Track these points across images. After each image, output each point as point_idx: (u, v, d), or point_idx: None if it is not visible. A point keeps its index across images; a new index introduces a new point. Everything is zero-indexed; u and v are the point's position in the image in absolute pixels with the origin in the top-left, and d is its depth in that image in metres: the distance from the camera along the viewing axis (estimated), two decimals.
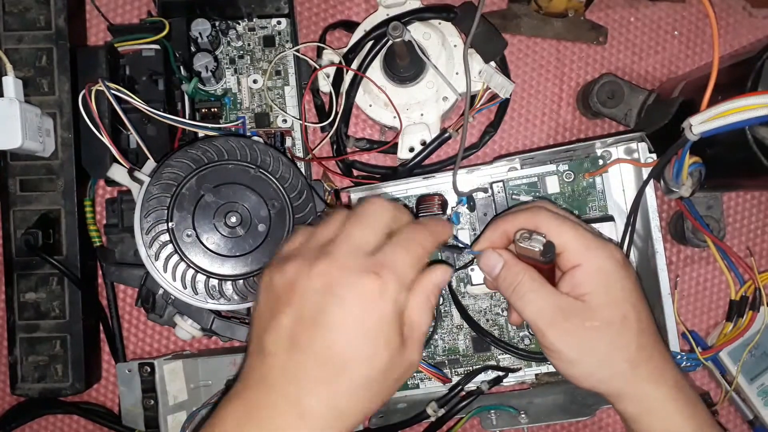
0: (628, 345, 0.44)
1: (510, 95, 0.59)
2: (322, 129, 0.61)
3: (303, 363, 0.38)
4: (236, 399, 0.39)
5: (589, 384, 0.45)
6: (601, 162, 0.55)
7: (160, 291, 0.54)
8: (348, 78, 0.59)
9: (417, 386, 0.58)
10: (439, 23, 0.59)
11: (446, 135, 0.58)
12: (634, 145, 0.53)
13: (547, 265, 0.44)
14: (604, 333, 0.43)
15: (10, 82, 0.53)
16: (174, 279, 0.51)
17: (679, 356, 0.52)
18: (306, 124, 0.60)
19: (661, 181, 0.51)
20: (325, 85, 0.60)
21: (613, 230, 0.53)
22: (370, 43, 0.59)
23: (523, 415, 0.55)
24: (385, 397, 0.40)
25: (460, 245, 0.55)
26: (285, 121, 0.60)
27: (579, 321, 0.43)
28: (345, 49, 0.60)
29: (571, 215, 0.48)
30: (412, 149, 0.59)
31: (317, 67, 0.60)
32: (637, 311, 0.44)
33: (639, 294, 0.45)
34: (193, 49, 0.59)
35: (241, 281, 0.52)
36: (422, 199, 0.55)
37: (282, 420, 0.38)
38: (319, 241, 0.41)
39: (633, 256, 0.55)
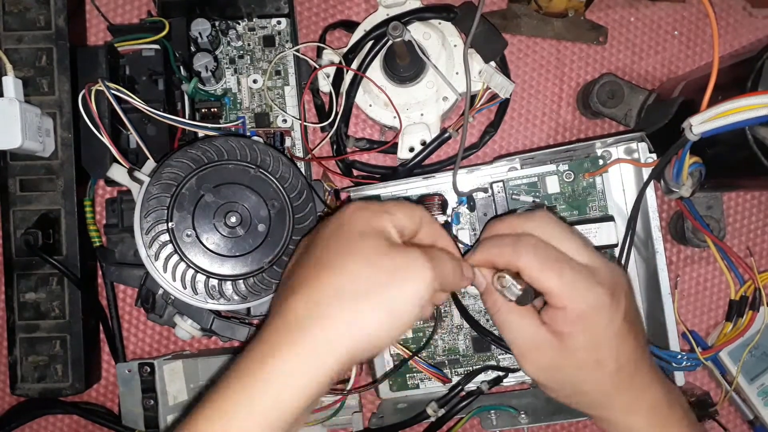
0: (600, 384, 0.44)
1: (510, 95, 0.59)
2: (322, 129, 0.61)
3: (288, 280, 0.41)
4: (265, 340, 0.39)
5: (568, 404, 0.46)
6: (601, 162, 0.55)
7: (160, 291, 0.54)
8: (348, 78, 0.59)
9: (417, 386, 0.58)
10: (439, 23, 0.59)
11: (446, 135, 0.58)
12: (634, 145, 0.53)
13: None
14: (575, 373, 0.43)
15: (10, 82, 0.53)
16: (174, 279, 0.51)
17: (679, 356, 0.52)
18: (306, 124, 0.60)
19: (662, 181, 0.51)
20: (325, 85, 0.60)
21: (613, 230, 0.53)
22: (370, 43, 0.59)
23: (523, 415, 0.55)
24: (392, 298, 0.38)
25: (461, 245, 0.55)
26: (285, 121, 0.60)
27: (551, 359, 0.43)
28: (345, 49, 0.60)
29: (564, 233, 0.45)
30: (412, 149, 0.59)
31: (317, 67, 0.60)
32: (615, 354, 0.43)
33: (624, 334, 0.43)
34: (193, 49, 0.59)
35: (241, 281, 0.52)
36: (422, 199, 0.55)
37: (271, 330, 0.38)
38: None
39: (633, 256, 0.55)
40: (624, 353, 0.43)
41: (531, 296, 0.43)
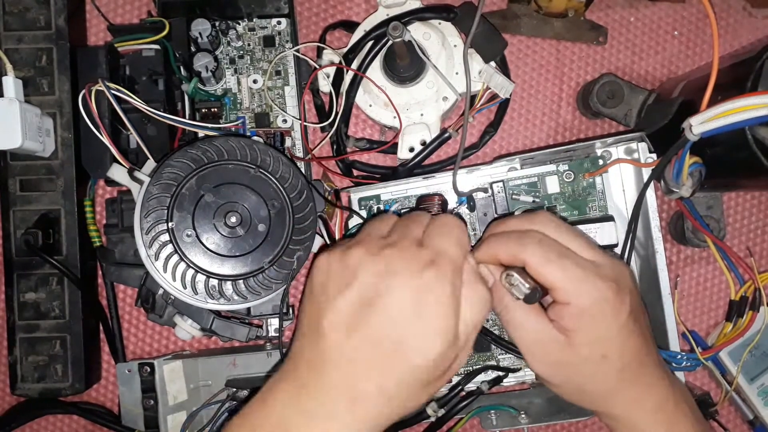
0: (605, 380, 0.44)
1: (510, 95, 0.59)
2: (322, 129, 0.61)
3: (359, 346, 0.39)
4: (285, 380, 0.40)
5: (570, 401, 0.46)
6: (601, 162, 0.55)
7: (160, 291, 0.54)
8: (348, 78, 0.59)
9: None
10: (439, 23, 0.59)
11: (446, 135, 0.58)
12: (634, 145, 0.53)
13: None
14: (580, 369, 0.43)
15: (10, 82, 0.53)
16: (174, 279, 0.51)
17: (679, 356, 0.52)
18: (306, 124, 0.60)
19: (662, 182, 0.51)
20: (325, 85, 0.60)
21: (613, 230, 0.53)
22: (370, 43, 0.59)
23: (523, 415, 0.55)
24: (432, 389, 0.40)
25: None
26: (285, 121, 0.60)
27: (557, 355, 0.43)
28: (345, 49, 0.60)
29: (568, 232, 0.45)
30: (412, 149, 0.59)
31: (317, 67, 0.60)
32: (621, 349, 0.43)
33: (629, 329, 0.43)
34: (193, 49, 0.59)
35: (241, 281, 0.52)
36: (422, 199, 0.55)
37: (333, 404, 0.38)
38: (376, 234, 0.44)
39: (633, 256, 0.55)
40: (629, 349, 0.43)
41: (538, 295, 0.43)
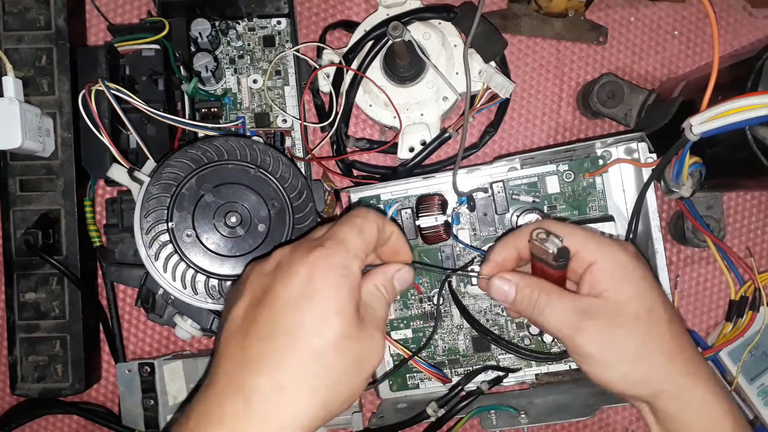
0: (662, 336, 0.41)
1: (510, 95, 0.59)
2: (322, 129, 0.61)
3: (250, 345, 0.37)
4: (197, 397, 0.38)
5: (623, 387, 0.42)
6: (601, 162, 0.55)
7: (160, 291, 0.54)
8: (348, 78, 0.59)
9: (417, 386, 0.58)
10: (439, 23, 0.59)
11: (446, 135, 0.58)
12: (634, 145, 0.53)
13: (559, 272, 0.43)
14: (634, 328, 0.41)
15: (10, 82, 0.53)
16: (174, 279, 0.51)
17: None
18: (306, 124, 0.60)
19: (662, 182, 0.51)
20: (325, 85, 0.60)
21: (613, 230, 0.53)
22: (370, 43, 0.59)
23: (523, 415, 0.55)
24: (344, 379, 0.38)
25: (461, 244, 0.55)
26: (285, 121, 0.60)
27: (605, 319, 0.41)
28: (345, 49, 0.60)
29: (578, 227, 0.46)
30: (412, 149, 0.59)
31: (317, 66, 0.60)
32: (663, 301, 0.42)
33: (659, 284, 0.44)
34: (193, 49, 0.59)
35: None
36: (422, 199, 0.55)
37: (231, 407, 0.36)
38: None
39: None
40: (668, 303, 0.43)
41: (569, 253, 0.41)
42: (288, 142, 0.59)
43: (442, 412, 0.53)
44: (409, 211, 0.55)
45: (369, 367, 0.39)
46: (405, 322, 0.57)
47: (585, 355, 0.41)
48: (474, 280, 0.55)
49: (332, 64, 0.60)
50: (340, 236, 0.40)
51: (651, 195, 0.52)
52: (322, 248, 0.39)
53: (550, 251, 0.41)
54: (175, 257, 0.51)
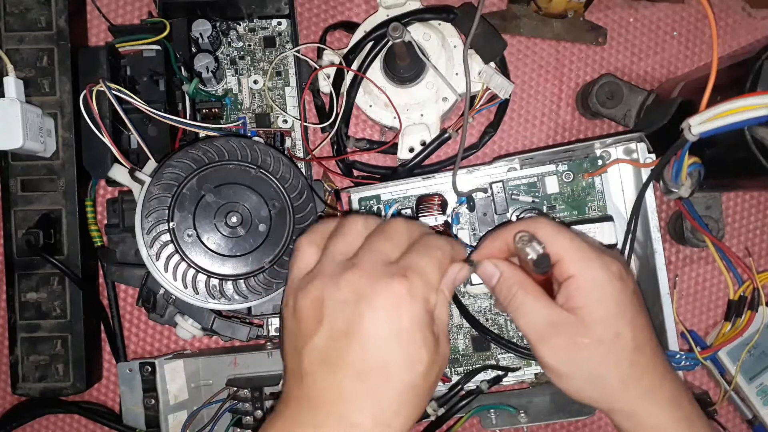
0: (620, 362, 0.42)
1: (509, 96, 0.59)
2: (323, 129, 0.61)
3: (343, 381, 0.38)
4: (279, 419, 0.39)
5: (580, 398, 0.44)
6: (600, 162, 0.55)
7: (161, 291, 0.54)
8: (348, 78, 0.59)
9: None
10: (439, 24, 0.59)
11: (446, 135, 0.58)
12: (633, 146, 0.53)
13: (543, 275, 0.43)
14: (595, 350, 0.42)
15: (11, 83, 0.53)
16: (175, 279, 0.51)
17: (678, 356, 0.52)
18: (306, 124, 0.60)
19: (661, 182, 0.51)
20: (325, 86, 0.60)
21: (612, 230, 0.53)
22: (370, 44, 0.59)
23: (522, 415, 0.55)
24: (427, 399, 0.40)
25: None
26: (285, 121, 0.60)
27: (570, 336, 0.42)
28: (345, 50, 0.60)
29: (570, 229, 0.46)
30: (412, 149, 0.59)
31: (317, 67, 0.60)
32: (632, 327, 0.42)
33: (636, 308, 0.43)
34: (193, 49, 0.59)
35: (242, 281, 0.52)
36: (422, 199, 0.55)
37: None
38: (339, 256, 0.41)
39: (632, 255, 0.55)
40: (640, 329, 0.42)
41: (549, 261, 0.42)
42: (288, 143, 0.59)
43: (441, 411, 0.53)
44: (409, 211, 0.55)
45: (441, 374, 0.41)
46: None
47: (544, 364, 0.43)
48: (474, 280, 0.56)
49: (332, 64, 0.60)
50: (420, 266, 0.40)
51: (650, 195, 0.52)
52: (404, 279, 0.39)
53: (530, 257, 0.41)
54: (176, 257, 0.51)
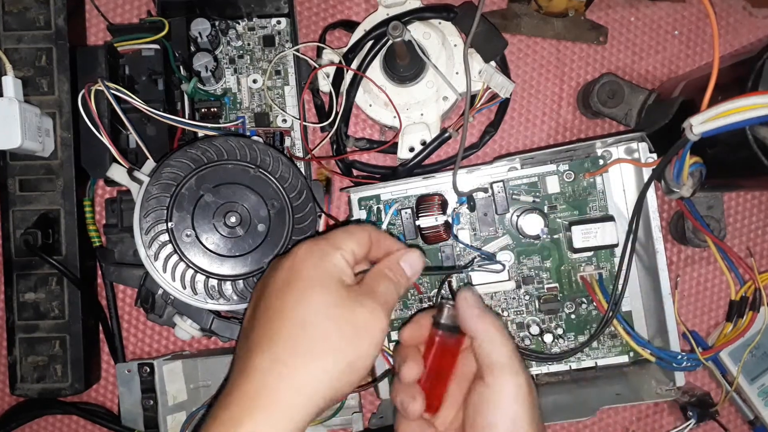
0: None
1: (510, 95, 0.59)
2: (322, 129, 0.61)
3: (249, 337, 0.41)
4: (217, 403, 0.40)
5: None
6: (601, 162, 0.55)
7: (160, 291, 0.54)
8: (348, 78, 0.59)
9: None
10: (439, 23, 0.59)
11: (446, 135, 0.58)
12: (634, 145, 0.53)
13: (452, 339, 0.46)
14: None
15: (10, 82, 0.53)
16: (173, 279, 0.51)
17: (679, 356, 0.52)
18: (306, 123, 0.60)
19: (662, 181, 0.51)
20: (324, 85, 0.60)
21: (613, 230, 0.53)
22: (370, 43, 0.58)
23: None
24: (346, 346, 0.39)
25: (461, 244, 0.55)
26: (285, 120, 0.60)
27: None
28: (345, 49, 0.60)
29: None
30: (412, 149, 0.59)
31: (317, 66, 0.60)
32: (530, 415, 0.42)
33: (535, 403, 0.44)
34: (192, 48, 0.59)
35: (240, 281, 0.52)
36: (422, 199, 0.55)
37: (238, 391, 0.38)
38: None
39: (634, 256, 0.55)
40: (539, 417, 0.43)
41: (458, 329, 0.45)
42: (288, 142, 0.59)
43: None
44: (409, 211, 0.55)
45: (371, 336, 0.40)
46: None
47: None
48: (474, 280, 0.55)
49: (332, 63, 0.60)
50: (328, 233, 0.43)
51: (651, 195, 0.52)
52: (307, 241, 0.42)
53: (444, 314, 0.46)
54: (175, 257, 0.51)
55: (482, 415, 0.43)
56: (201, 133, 0.57)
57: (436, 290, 0.56)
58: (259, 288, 0.44)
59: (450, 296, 0.46)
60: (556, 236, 0.55)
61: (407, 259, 0.45)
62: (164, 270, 0.51)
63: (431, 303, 0.56)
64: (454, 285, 0.56)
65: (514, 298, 0.56)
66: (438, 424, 0.45)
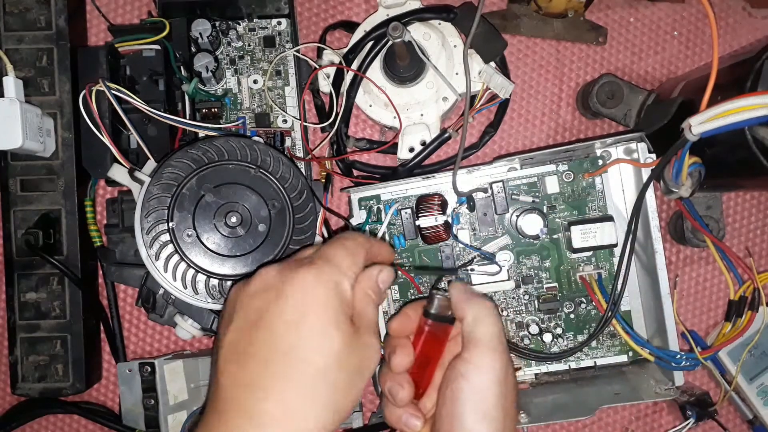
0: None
1: (510, 95, 0.59)
2: (322, 129, 0.61)
3: (250, 369, 0.38)
4: (202, 423, 0.39)
5: None
6: (600, 162, 0.55)
7: (161, 291, 0.54)
8: (348, 78, 0.59)
9: None
10: (439, 23, 0.59)
11: (446, 135, 0.58)
12: (633, 146, 0.53)
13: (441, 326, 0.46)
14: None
15: (11, 83, 0.53)
16: (174, 279, 0.51)
17: (678, 356, 0.52)
18: (306, 124, 0.60)
19: (661, 182, 0.51)
20: (325, 86, 0.60)
21: (612, 230, 0.53)
22: (370, 44, 0.59)
23: (523, 415, 0.55)
24: (348, 389, 0.39)
25: (461, 244, 0.55)
26: (285, 121, 0.60)
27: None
28: (345, 50, 0.60)
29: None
30: (412, 149, 0.59)
31: (317, 67, 0.60)
32: (504, 398, 0.42)
33: (513, 385, 0.44)
34: (193, 49, 0.59)
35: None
36: (422, 199, 0.55)
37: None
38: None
39: (633, 256, 0.55)
40: (510, 401, 0.43)
41: (451, 316, 0.45)
42: (288, 143, 0.59)
43: None
44: (409, 211, 0.55)
45: (368, 372, 0.40)
46: None
47: None
48: (474, 280, 0.55)
49: (332, 64, 0.60)
50: (329, 255, 0.41)
51: (650, 195, 0.52)
52: (311, 266, 0.40)
53: (436, 301, 0.45)
54: (176, 257, 0.51)
55: (451, 387, 0.42)
56: (202, 133, 0.57)
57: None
58: (256, 302, 0.40)
59: (440, 287, 0.45)
60: (555, 236, 0.56)
61: (382, 278, 0.43)
62: (165, 270, 0.51)
63: (420, 295, 0.56)
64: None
65: (513, 298, 0.56)
66: (422, 406, 0.45)
